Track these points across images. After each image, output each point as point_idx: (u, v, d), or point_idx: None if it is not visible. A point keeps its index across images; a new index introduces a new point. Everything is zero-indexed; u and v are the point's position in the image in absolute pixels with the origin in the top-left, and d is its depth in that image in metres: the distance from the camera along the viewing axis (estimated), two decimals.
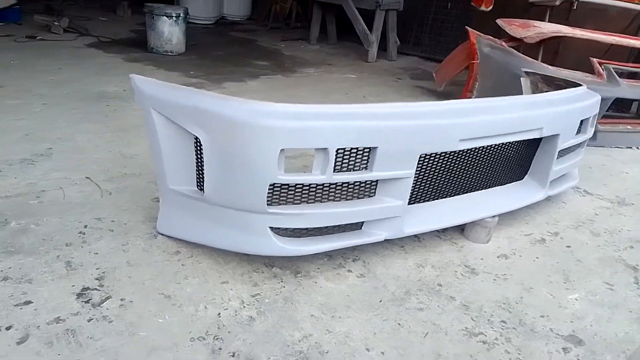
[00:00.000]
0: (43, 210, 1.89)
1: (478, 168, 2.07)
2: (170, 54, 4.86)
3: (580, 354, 1.55)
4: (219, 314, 1.51)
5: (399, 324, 1.58)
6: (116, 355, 1.32)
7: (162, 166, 1.67)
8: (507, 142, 2.08)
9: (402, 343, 1.50)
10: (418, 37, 6.27)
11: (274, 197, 1.58)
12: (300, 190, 1.62)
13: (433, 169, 1.89)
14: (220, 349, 1.38)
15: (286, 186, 1.58)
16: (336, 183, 1.66)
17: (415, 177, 1.85)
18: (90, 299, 1.49)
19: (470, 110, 1.81)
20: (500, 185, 2.26)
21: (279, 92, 3.99)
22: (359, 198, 1.75)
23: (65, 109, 3.04)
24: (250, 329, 1.47)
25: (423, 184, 1.91)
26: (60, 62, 4.13)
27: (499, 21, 3.79)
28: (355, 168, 1.65)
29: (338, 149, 1.54)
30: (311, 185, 1.62)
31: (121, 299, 1.51)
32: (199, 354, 1.36)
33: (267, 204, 1.56)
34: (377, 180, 1.72)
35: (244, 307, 1.55)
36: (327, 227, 1.71)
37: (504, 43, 3.62)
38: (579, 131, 2.39)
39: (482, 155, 2.04)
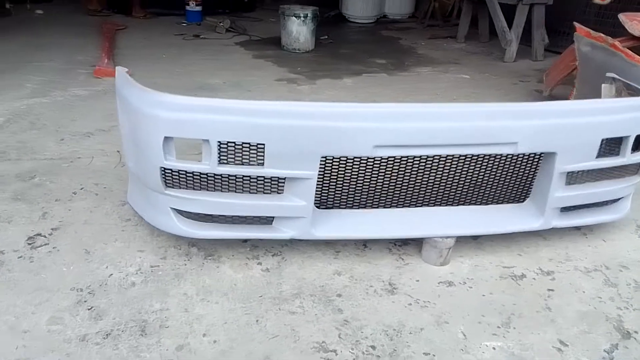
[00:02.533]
0: (65, 172, 2.37)
1: (429, 180, 1.86)
2: (297, 51, 5.23)
3: None
4: (111, 274, 1.74)
5: (257, 320, 1.59)
6: (15, 286, 1.66)
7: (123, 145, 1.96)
8: (472, 155, 1.82)
9: (242, 338, 1.52)
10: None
11: (174, 180, 1.73)
12: (199, 177, 1.73)
13: (353, 175, 1.79)
14: (85, 301, 1.62)
15: (184, 172, 1.72)
16: (244, 175, 1.72)
17: (325, 180, 1.79)
18: (33, 243, 1.87)
19: (390, 115, 1.65)
20: (485, 204, 1.98)
21: (365, 90, 3.99)
22: (270, 193, 1.78)
23: None
24: (123, 292, 1.67)
25: (341, 189, 1.82)
26: (200, 57, 4.82)
27: (620, 16, 3.12)
28: (252, 163, 1.69)
29: (220, 142, 1.61)
30: (209, 175, 1.72)
31: (53, 247, 1.86)
32: (65, 301, 1.61)
33: (168, 186, 1.73)
34: (284, 178, 1.73)
35: (136, 274, 1.75)
36: (236, 216, 1.79)
37: (617, 42, 2.98)
38: (609, 153, 1.93)
39: (431, 167, 1.83)
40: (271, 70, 4.47)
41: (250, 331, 1.55)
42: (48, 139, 2.72)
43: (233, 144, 1.66)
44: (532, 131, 1.74)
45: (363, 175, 1.80)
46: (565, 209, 2.01)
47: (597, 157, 1.87)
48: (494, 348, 1.54)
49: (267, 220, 1.81)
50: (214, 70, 4.34)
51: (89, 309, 1.59)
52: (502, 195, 1.98)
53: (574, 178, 1.95)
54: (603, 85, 2.51)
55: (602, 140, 1.85)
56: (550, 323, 1.65)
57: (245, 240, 1.93)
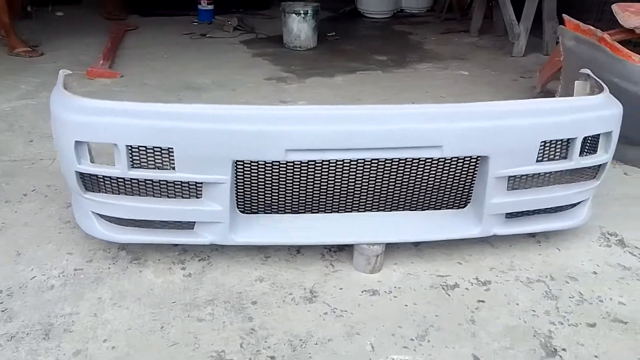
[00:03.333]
0: (24, 174, 2.43)
1: (355, 185, 1.78)
2: (298, 49, 5.18)
3: None
4: (34, 277, 1.76)
5: (162, 327, 1.57)
6: None
7: None
8: (397, 159, 1.74)
9: (141, 345, 1.50)
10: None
11: (93, 184, 1.73)
12: (116, 181, 1.73)
13: (272, 180, 1.74)
14: (1, 302, 1.64)
15: (100, 176, 1.72)
16: (160, 180, 1.71)
17: (244, 185, 1.75)
18: None
19: (302, 118, 1.59)
20: (422, 210, 1.89)
21: (354, 88, 3.91)
22: (189, 198, 1.75)
23: (139, 95, 3.63)
24: (40, 295, 1.68)
25: (263, 194, 1.77)
26: (199, 56, 4.86)
27: (613, 6, 2.91)
28: (165, 167, 1.67)
29: (128, 146, 1.60)
30: (125, 179, 1.71)
31: None
32: None
33: (88, 190, 1.73)
34: (202, 183, 1.70)
35: (58, 277, 1.77)
36: (157, 221, 1.78)
37: (606, 36, 2.79)
38: (551, 156, 1.80)
39: (355, 171, 1.75)
40: (265, 68, 4.45)
41: (152, 338, 1.53)
42: (18, 140, 2.79)
43: (145, 148, 1.64)
44: (458, 134, 1.64)
45: (278, 179, 1.75)
46: (512, 216, 1.89)
47: (538, 161, 1.75)
48: None
49: (189, 225, 1.78)
50: (207, 69, 4.36)
51: (2, 311, 1.61)
52: (440, 201, 1.88)
53: (517, 183, 1.83)
54: (576, 82, 2.34)
55: (542, 143, 1.73)
56: (470, 337, 1.55)
57: (176, 245, 1.91)
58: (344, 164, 1.74)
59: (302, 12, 5.04)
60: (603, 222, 2.14)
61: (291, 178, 1.74)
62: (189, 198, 1.74)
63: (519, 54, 4.86)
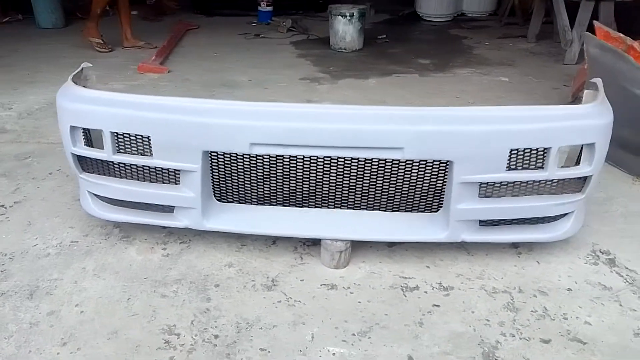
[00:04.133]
0: (55, 155, 2.68)
1: (322, 182, 1.84)
2: (343, 50, 5.26)
3: None
4: (36, 245, 1.98)
5: (128, 299, 1.72)
6: None
7: None
8: (364, 159, 1.77)
9: (106, 312, 1.66)
10: None
11: (88, 165, 1.92)
12: (106, 164, 1.91)
13: (241, 171, 1.83)
14: (2, 264, 1.87)
15: (93, 159, 1.90)
16: (143, 165, 1.87)
17: (218, 174, 1.86)
18: None
19: (266, 114, 1.67)
20: (393, 211, 1.90)
21: (383, 91, 3.92)
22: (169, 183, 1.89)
23: (180, 90, 3.88)
24: (35, 261, 1.89)
25: (235, 185, 1.87)
26: (246, 56, 5.07)
27: None
28: (146, 154, 1.82)
29: (113, 132, 1.77)
30: (112, 162, 1.88)
31: (7, 217, 2.16)
32: None
33: (84, 170, 1.92)
34: (180, 170, 1.83)
35: (56, 247, 1.97)
36: (142, 203, 1.93)
37: (636, 44, 2.63)
38: (526, 165, 1.75)
39: (322, 168, 1.81)
40: (304, 68, 4.57)
41: (117, 307, 1.68)
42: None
43: (128, 135, 1.80)
44: (420, 137, 1.65)
45: (244, 171, 1.84)
46: (488, 223, 1.86)
47: (508, 169, 1.71)
48: (333, 354, 1.50)
49: (169, 209, 1.92)
50: (249, 68, 4.55)
51: (1, 271, 1.84)
52: (412, 203, 1.89)
53: (490, 190, 1.80)
54: (586, 91, 2.24)
55: (512, 151, 1.69)
56: (412, 339, 1.56)
57: (164, 227, 2.06)
58: (311, 161, 1.80)
59: (347, 14, 5.10)
60: (599, 238, 2.04)
61: (257, 171, 1.84)
62: (169, 184, 1.88)
63: (572, 61, 4.63)
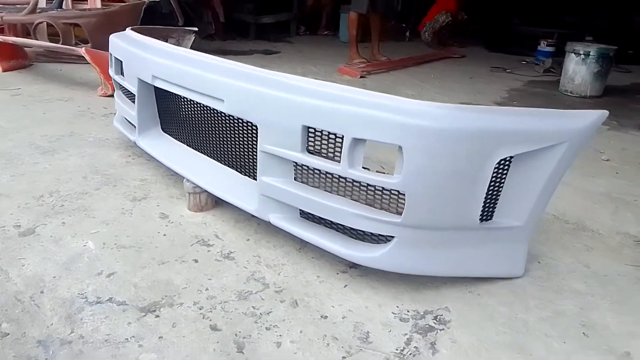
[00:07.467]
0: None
1: (198, 126, 1.96)
2: (569, 94, 4.47)
3: None
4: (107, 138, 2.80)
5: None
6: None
7: None
8: (199, 103, 1.86)
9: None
10: None
11: None
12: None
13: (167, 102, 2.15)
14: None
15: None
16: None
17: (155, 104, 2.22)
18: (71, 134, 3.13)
19: (163, 53, 1.94)
20: (228, 167, 1.92)
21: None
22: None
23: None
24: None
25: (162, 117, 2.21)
26: (464, 83, 4.85)
27: None
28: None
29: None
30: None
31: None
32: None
33: None
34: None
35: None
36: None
37: None
38: (330, 153, 1.47)
39: (194, 110, 1.95)
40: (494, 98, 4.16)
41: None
42: None
43: None
44: (235, 92, 1.62)
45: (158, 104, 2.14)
46: (309, 217, 1.61)
47: (304, 150, 1.47)
48: (86, 244, 1.69)
49: (132, 125, 2.37)
50: (445, 91, 4.40)
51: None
52: (240, 164, 1.81)
53: (305, 177, 1.57)
54: None
55: (308, 129, 1.45)
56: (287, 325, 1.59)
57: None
58: (188, 103, 1.99)
59: (582, 52, 4.32)
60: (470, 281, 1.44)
61: (161, 105, 2.12)
62: (133, 103, 2.33)
63: None
